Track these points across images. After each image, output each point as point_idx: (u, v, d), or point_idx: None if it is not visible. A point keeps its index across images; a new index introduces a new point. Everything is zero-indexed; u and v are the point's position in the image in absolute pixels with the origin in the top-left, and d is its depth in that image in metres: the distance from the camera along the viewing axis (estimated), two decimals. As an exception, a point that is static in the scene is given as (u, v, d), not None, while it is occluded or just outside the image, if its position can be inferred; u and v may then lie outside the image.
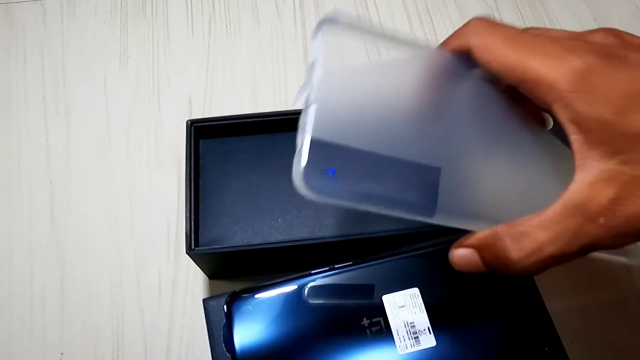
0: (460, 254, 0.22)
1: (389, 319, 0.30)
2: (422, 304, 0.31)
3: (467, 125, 0.24)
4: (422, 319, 0.30)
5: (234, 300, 0.31)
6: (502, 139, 0.24)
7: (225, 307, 0.31)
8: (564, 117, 0.20)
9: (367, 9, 0.55)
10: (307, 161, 0.20)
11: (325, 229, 0.37)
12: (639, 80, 0.19)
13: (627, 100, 0.19)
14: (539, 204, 0.20)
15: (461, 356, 0.30)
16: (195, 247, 0.35)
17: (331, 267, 0.32)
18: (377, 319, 0.30)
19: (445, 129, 0.23)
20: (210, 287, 0.41)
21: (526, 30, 0.23)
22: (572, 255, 0.20)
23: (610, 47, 0.21)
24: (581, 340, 0.38)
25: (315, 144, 0.20)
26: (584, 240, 0.19)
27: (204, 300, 0.33)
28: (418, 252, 0.33)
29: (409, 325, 0.30)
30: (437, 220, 0.22)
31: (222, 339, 0.31)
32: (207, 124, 0.39)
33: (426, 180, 0.22)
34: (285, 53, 0.52)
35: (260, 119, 0.39)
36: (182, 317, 0.40)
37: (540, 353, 0.30)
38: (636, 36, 0.22)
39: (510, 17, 0.54)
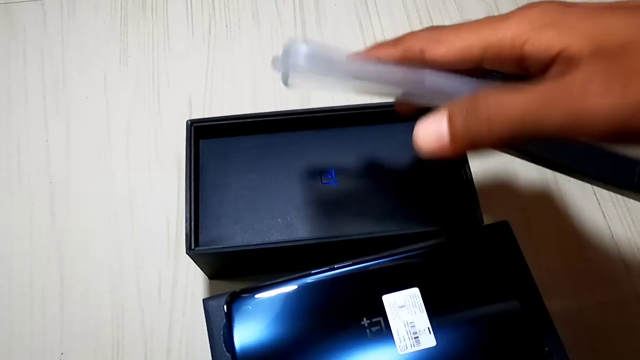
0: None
1: (389, 319, 0.30)
2: (422, 304, 0.31)
3: None
4: (422, 319, 0.30)
5: (234, 300, 0.31)
6: None
7: (225, 307, 0.31)
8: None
9: (367, 9, 0.55)
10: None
11: (325, 229, 0.37)
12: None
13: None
14: None
15: (461, 356, 0.30)
16: (195, 247, 0.35)
17: (331, 267, 0.32)
18: (377, 319, 0.30)
19: None
20: (210, 287, 0.41)
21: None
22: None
23: None
24: (581, 340, 0.38)
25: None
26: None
27: (204, 300, 0.33)
28: (418, 252, 0.33)
29: (409, 325, 0.30)
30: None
31: (222, 339, 0.31)
32: (207, 124, 0.39)
33: None
34: (285, 53, 0.52)
35: (260, 119, 0.39)
36: (182, 317, 0.40)
37: (540, 353, 0.30)
38: None
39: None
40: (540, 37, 0.21)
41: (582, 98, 0.19)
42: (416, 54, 0.24)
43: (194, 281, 0.41)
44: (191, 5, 0.55)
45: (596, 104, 0.19)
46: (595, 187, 0.44)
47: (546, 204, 0.44)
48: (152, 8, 0.55)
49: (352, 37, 0.53)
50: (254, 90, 0.50)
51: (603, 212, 0.44)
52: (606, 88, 0.18)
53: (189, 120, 0.39)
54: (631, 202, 0.44)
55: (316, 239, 0.35)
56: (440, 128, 0.22)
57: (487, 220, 0.36)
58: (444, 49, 0.23)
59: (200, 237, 0.36)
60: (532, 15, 0.22)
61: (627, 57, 0.19)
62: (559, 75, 0.20)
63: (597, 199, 0.44)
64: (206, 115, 0.48)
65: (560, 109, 0.19)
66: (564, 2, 0.22)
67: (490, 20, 0.23)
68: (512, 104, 0.21)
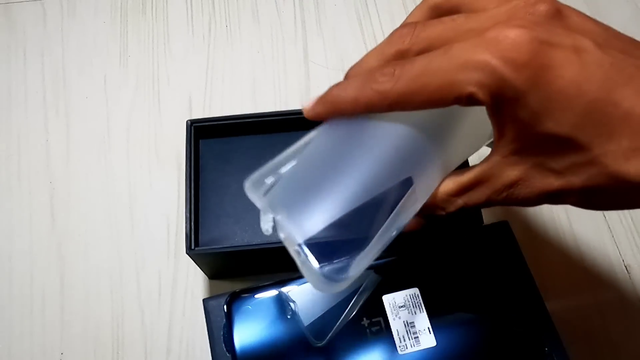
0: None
1: (389, 319, 0.30)
2: (422, 304, 0.31)
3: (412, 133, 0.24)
4: (422, 319, 0.30)
5: (234, 300, 0.31)
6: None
7: (225, 307, 0.31)
8: (490, 115, 0.22)
9: (367, 9, 0.55)
10: (318, 265, 0.22)
11: (325, 229, 0.37)
12: (562, 81, 0.19)
13: (547, 104, 0.20)
14: None
15: (461, 356, 0.30)
16: (195, 247, 0.35)
17: (331, 267, 0.32)
18: (377, 319, 0.30)
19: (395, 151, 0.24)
20: (210, 287, 0.41)
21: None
22: (487, 206, 0.25)
23: (544, 28, 0.20)
24: (581, 340, 0.38)
25: (310, 246, 0.22)
26: (491, 203, 0.24)
27: (204, 300, 0.33)
28: (418, 252, 0.33)
29: (409, 325, 0.30)
30: (420, 202, 0.25)
31: (222, 339, 0.31)
32: (207, 124, 0.39)
33: (402, 189, 0.24)
34: (285, 53, 0.52)
35: (260, 119, 0.39)
36: (182, 317, 0.40)
37: (540, 353, 0.30)
38: (582, 17, 0.22)
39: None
40: None
41: None
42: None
43: (194, 281, 0.41)
44: (191, 5, 0.55)
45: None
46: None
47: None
48: (152, 8, 0.55)
49: (352, 37, 0.53)
50: (254, 90, 0.50)
51: (603, 212, 0.44)
52: None
53: (189, 120, 0.39)
54: (631, 202, 0.44)
55: (316, 239, 0.35)
56: (419, 221, 0.27)
57: (487, 220, 0.36)
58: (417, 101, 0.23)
59: (200, 237, 0.36)
60: None
61: None
62: None
63: (597, 199, 0.44)
64: (206, 115, 0.48)
65: None
66: None
67: None
68: None
